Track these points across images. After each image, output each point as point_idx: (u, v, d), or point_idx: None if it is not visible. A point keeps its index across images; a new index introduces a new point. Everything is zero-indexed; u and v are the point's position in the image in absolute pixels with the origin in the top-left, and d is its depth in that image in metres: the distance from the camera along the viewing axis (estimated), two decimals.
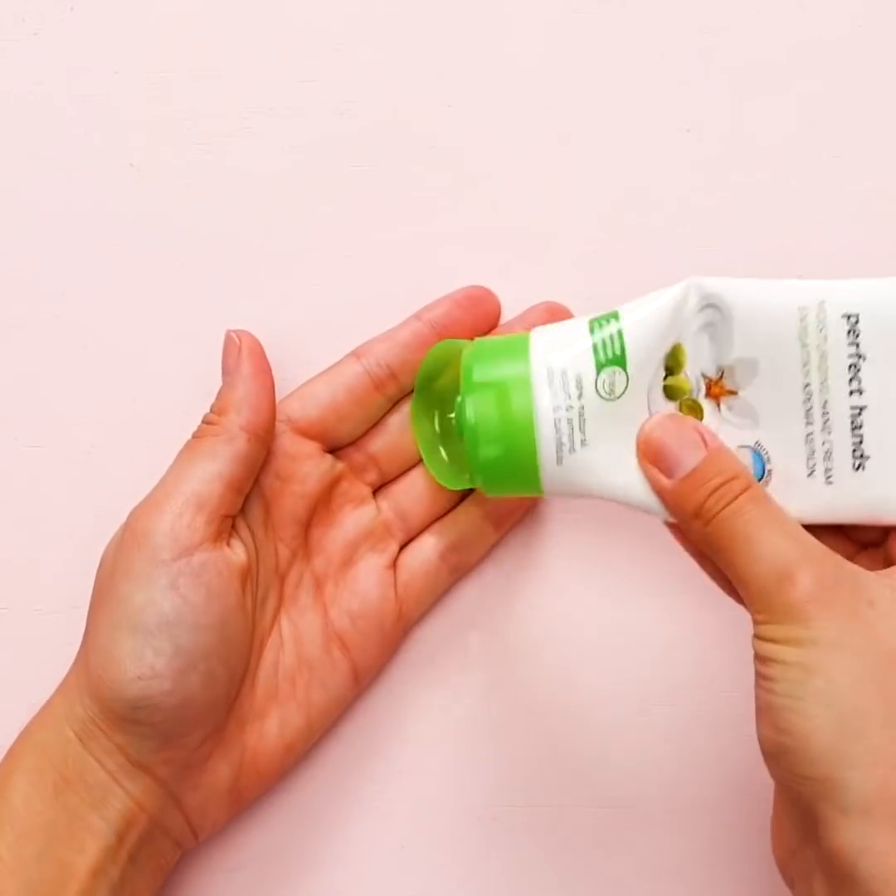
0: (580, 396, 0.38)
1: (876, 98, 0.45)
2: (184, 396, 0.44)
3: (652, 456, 0.37)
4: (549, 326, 0.39)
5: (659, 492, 0.37)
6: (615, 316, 0.38)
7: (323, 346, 0.44)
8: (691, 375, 0.38)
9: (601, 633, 0.44)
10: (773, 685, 0.34)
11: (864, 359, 0.38)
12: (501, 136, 0.45)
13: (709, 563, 0.38)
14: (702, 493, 0.36)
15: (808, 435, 0.38)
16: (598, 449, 0.38)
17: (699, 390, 0.39)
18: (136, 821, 0.39)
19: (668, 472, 0.37)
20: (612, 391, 0.38)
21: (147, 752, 0.39)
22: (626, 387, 0.38)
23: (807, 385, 0.38)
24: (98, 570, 0.40)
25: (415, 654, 0.45)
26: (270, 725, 0.42)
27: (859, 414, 0.38)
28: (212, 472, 0.40)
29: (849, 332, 0.37)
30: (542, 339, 0.39)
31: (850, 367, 0.38)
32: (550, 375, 0.38)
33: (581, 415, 0.38)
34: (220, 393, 0.42)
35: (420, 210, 0.45)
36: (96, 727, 0.39)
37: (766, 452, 0.38)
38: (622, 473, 0.38)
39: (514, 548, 0.45)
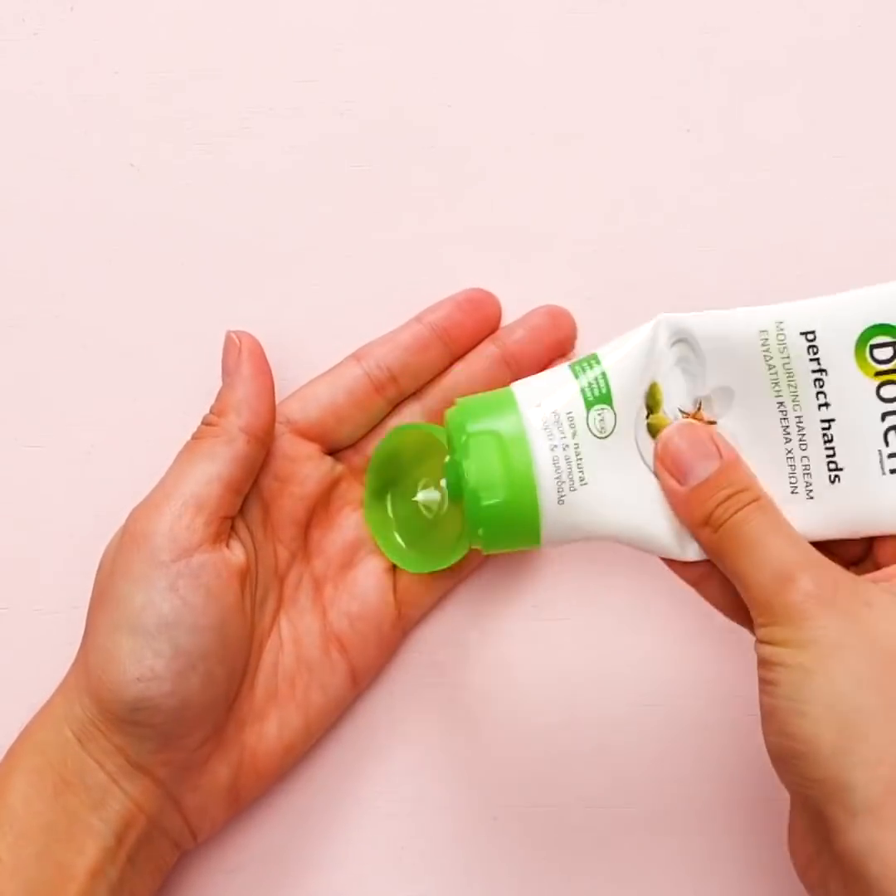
0: (575, 435, 0.38)
1: (876, 97, 0.45)
2: (184, 396, 0.44)
3: (668, 462, 0.38)
4: (529, 378, 0.39)
5: (671, 497, 0.38)
6: (595, 358, 0.39)
7: (323, 346, 0.44)
8: (669, 412, 0.39)
9: (600, 633, 0.44)
10: (775, 689, 0.35)
11: (827, 372, 0.38)
12: (501, 136, 0.45)
13: (709, 590, 0.39)
14: (712, 502, 0.37)
15: (788, 452, 0.39)
16: (597, 487, 0.38)
17: None
18: (135, 822, 0.39)
19: (681, 479, 0.38)
20: (603, 429, 0.38)
21: (146, 754, 0.39)
22: (615, 425, 0.38)
23: (780, 404, 0.39)
24: (97, 571, 0.40)
25: (415, 654, 0.45)
26: (269, 726, 0.42)
27: (828, 427, 0.39)
28: (211, 474, 0.40)
29: (808, 348, 0.38)
30: (526, 388, 0.39)
31: (814, 381, 0.38)
32: (543, 418, 0.38)
33: (578, 453, 0.38)
34: (219, 394, 0.42)
35: (420, 210, 0.45)
36: (95, 728, 0.39)
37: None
38: (623, 512, 0.38)
39: None
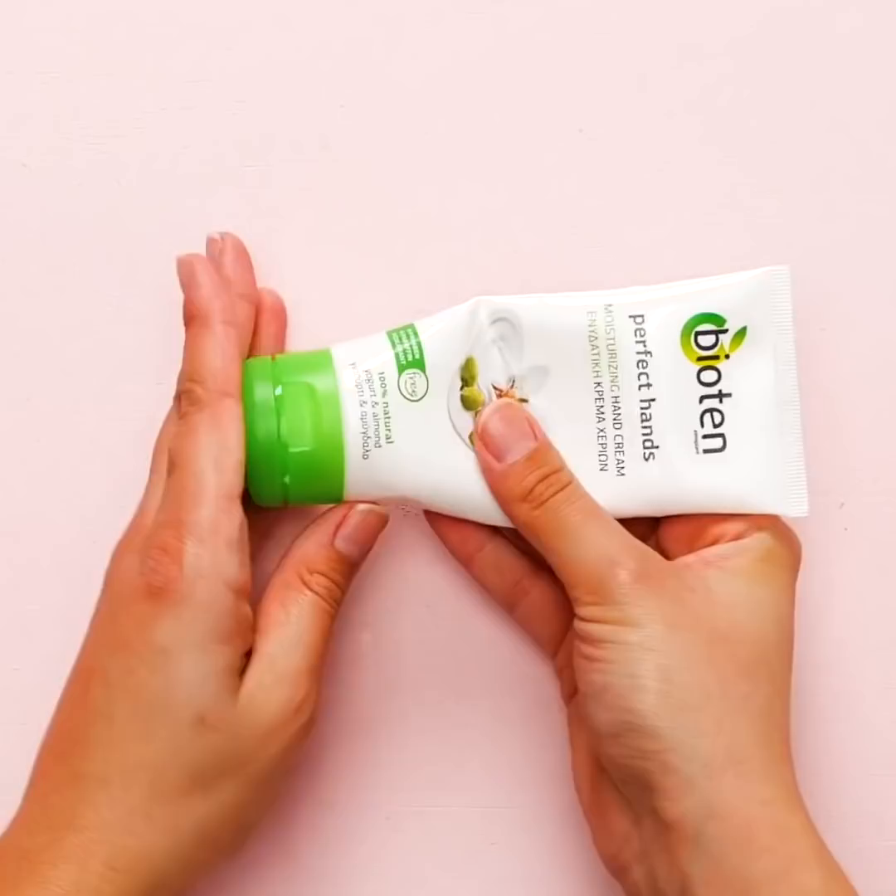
0: (385, 395, 0.39)
1: (771, 97, 0.45)
2: (74, 394, 0.44)
3: (487, 440, 0.39)
4: (348, 341, 0.41)
5: (488, 475, 0.39)
6: (412, 328, 0.40)
7: None
8: (483, 387, 0.40)
9: (489, 633, 0.45)
10: (609, 666, 0.36)
11: (651, 354, 0.40)
12: (394, 137, 0.45)
13: (482, 570, 0.42)
14: (532, 479, 0.39)
15: (600, 431, 0.41)
16: (404, 447, 0.39)
17: (491, 401, 0.40)
18: None
19: (499, 457, 0.39)
20: (414, 392, 0.40)
21: None
22: (427, 390, 0.40)
23: (598, 384, 0.40)
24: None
25: None
26: None
27: (648, 406, 0.40)
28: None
29: (636, 331, 0.40)
30: (343, 349, 0.40)
31: (638, 363, 0.40)
32: (355, 376, 0.40)
33: (386, 412, 0.39)
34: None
35: (312, 209, 0.45)
36: None
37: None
38: (429, 473, 0.40)
39: (408, 549, 0.45)
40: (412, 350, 0.40)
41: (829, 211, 0.45)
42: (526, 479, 0.39)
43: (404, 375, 0.40)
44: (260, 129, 0.45)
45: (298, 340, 0.44)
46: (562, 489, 0.39)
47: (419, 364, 0.40)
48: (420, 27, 0.45)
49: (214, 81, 0.45)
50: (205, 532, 0.36)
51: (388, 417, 0.39)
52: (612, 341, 0.40)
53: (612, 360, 0.40)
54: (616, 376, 0.40)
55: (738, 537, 0.40)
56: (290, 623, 0.38)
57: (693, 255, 0.45)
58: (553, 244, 0.45)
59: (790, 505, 0.41)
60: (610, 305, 0.40)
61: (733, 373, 0.41)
